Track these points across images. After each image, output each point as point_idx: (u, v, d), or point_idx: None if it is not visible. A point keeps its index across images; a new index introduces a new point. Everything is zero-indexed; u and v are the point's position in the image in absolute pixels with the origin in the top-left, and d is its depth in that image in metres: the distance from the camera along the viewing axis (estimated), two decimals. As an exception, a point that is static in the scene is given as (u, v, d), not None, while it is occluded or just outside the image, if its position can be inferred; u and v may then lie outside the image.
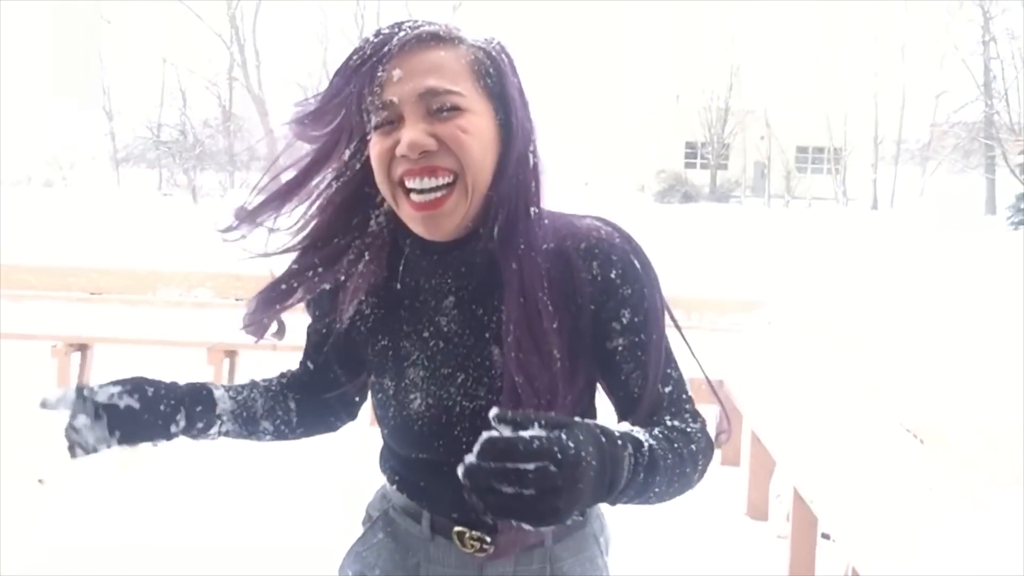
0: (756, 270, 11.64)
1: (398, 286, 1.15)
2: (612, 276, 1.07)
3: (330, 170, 1.12)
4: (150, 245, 12.56)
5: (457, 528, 1.14)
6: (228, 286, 5.16)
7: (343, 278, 1.15)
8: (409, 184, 1.03)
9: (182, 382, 1.15)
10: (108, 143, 36.96)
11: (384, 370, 1.17)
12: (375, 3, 33.01)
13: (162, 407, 1.09)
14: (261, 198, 1.13)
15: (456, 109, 1.02)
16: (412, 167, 1.02)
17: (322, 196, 1.13)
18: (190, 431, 1.13)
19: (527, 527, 0.79)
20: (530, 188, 1.08)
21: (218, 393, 1.17)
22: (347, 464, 3.01)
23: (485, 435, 0.78)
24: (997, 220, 27.97)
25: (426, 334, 1.13)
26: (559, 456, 0.77)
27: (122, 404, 1.06)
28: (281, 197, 1.12)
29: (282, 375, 1.30)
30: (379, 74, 1.02)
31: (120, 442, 1.07)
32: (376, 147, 1.05)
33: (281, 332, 1.21)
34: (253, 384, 1.25)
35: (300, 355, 1.29)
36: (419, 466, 1.16)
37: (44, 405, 1.04)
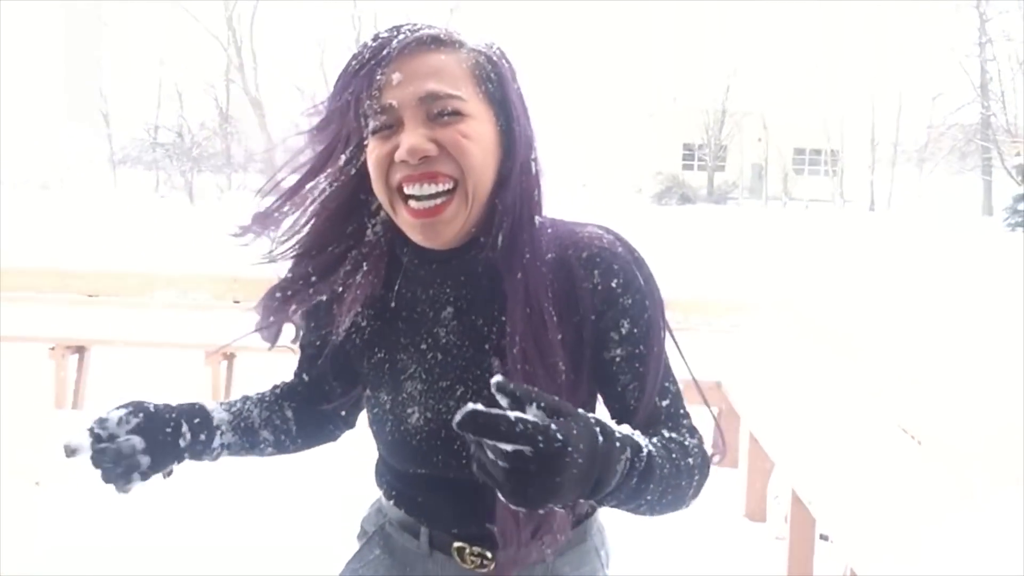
0: (754, 271, 11.65)
1: (394, 297, 1.13)
2: (613, 285, 1.05)
3: (323, 176, 1.09)
4: (147, 247, 12.55)
5: (457, 544, 1.12)
6: (226, 288, 5.15)
7: (340, 289, 1.12)
8: (408, 190, 1.01)
9: (173, 403, 1.13)
10: (105, 145, 36.93)
11: (380, 384, 1.14)
12: (372, 4, 33.03)
13: (166, 422, 1.07)
14: (268, 203, 1.11)
15: (457, 114, 1.00)
16: (411, 173, 1.00)
17: (316, 203, 1.09)
18: (195, 445, 1.11)
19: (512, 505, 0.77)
20: (533, 196, 1.06)
21: (211, 406, 1.15)
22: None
23: (469, 406, 0.74)
24: (994, 221, 28.04)
25: (424, 346, 1.10)
26: (541, 445, 0.74)
27: (131, 424, 1.04)
28: (285, 203, 1.10)
29: (275, 387, 1.27)
30: (378, 77, 1.00)
31: (146, 457, 1.05)
32: (374, 152, 1.02)
33: (297, 338, 1.20)
34: (245, 398, 1.22)
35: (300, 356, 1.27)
36: (417, 481, 1.14)
37: (69, 454, 1.02)
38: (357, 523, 1.29)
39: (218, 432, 1.14)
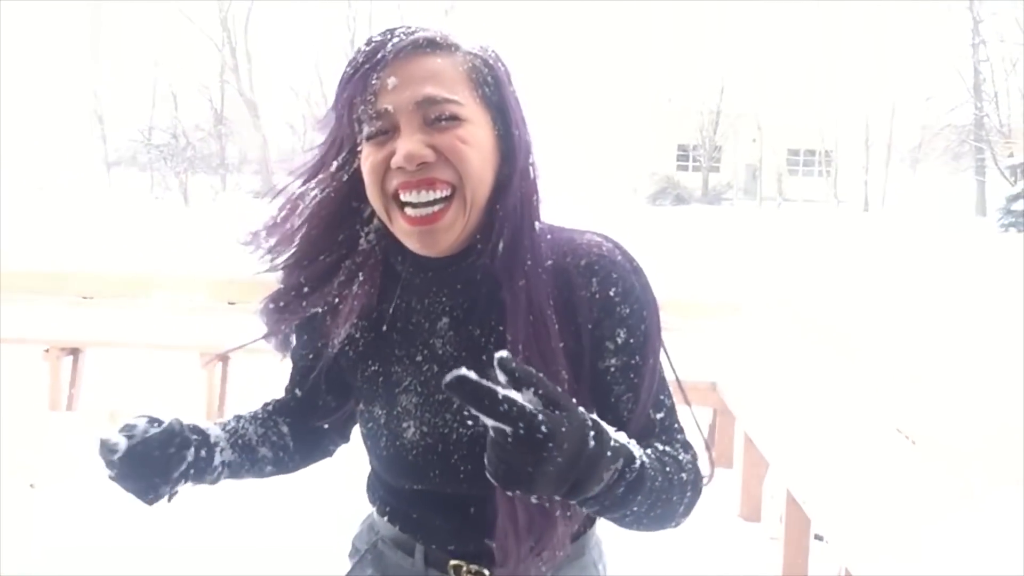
0: (748, 272, 11.66)
1: (389, 308, 1.09)
2: (611, 294, 1.02)
3: (315, 182, 1.06)
4: (142, 249, 12.50)
5: (453, 561, 1.09)
6: (221, 290, 5.14)
7: (335, 300, 1.09)
8: (404, 197, 0.98)
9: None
10: (99, 146, 36.83)
11: (374, 398, 1.11)
12: (367, 5, 32.98)
13: (172, 438, 1.03)
14: (275, 211, 1.09)
15: (455, 119, 0.97)
16: (408, 179, 0.97)
17: (307, 210, 1.06)
18: (197, 462, 1.06)
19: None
20: (532, 201, 1.04)
21: (204, 424, 1.10)
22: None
23: (461, 371, 0.73)
24: (987, 222, 28.09)
25: (419, 358, 1.07)
26: (521, 432, 0.73)
27: (140, 436, 1.01)
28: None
29: (266, 404, 1.23)
30: (372, 82, 0.98)
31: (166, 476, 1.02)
32: (369, 159, 0.99)
33: (287, 350, 1.18)
34: (238, 416, 1.18)
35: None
36: (413, 497, 1.10)
37: (108, 452, 0.99)
38: (348, 541, 1.25)
39: (217, 449, 1.09)
